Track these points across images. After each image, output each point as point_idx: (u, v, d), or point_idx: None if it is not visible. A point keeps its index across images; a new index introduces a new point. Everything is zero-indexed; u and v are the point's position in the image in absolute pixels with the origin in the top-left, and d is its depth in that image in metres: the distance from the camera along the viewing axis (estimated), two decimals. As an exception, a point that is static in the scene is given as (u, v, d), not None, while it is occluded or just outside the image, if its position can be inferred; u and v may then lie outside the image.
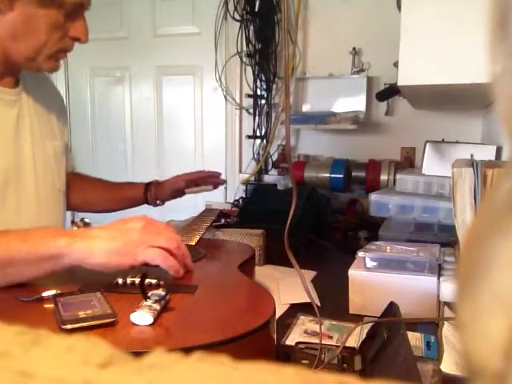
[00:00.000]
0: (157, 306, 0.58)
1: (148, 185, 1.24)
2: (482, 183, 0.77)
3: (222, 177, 1.34)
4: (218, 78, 2.09)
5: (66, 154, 1.09)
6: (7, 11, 0.81)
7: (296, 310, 0.87)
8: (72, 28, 0.87)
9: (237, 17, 2.01)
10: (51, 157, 1.00)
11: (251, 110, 2.10)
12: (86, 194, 1.21)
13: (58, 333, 0.19)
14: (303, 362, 0.66)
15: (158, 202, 1.25)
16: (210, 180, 1.29)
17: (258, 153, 2.10)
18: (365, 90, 1.87)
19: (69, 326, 0.53)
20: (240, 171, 2.18)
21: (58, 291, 0.64)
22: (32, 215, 0.95)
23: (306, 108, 2.01)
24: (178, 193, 1.25)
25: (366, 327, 0.72)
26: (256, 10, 1.94)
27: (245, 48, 2.03)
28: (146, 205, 1.25)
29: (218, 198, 2.05)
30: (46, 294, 0.63)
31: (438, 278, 0.82)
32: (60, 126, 1.06)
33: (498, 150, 1.30)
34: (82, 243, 0.67)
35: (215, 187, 1.30)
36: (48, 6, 0.82)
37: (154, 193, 1.22)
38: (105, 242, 0.68)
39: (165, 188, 1.23)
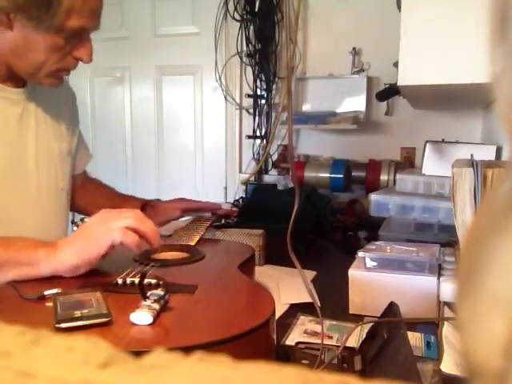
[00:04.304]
0: (156, 306, 0.58)
1: (145, 205, 1.20)
2: (482, 183, 0.77)
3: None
4: (218, 78, 2.09)
5: (74, 156, 1.10)
6: (6, 30, 0.81)
7: (296, 310, 0.87)
8: (75, 49, 0.87)
9: (237, 17, 2.01)
10: (56, 157, 1.01)
11: (251, 110, 2.10)
12: (92, 202, 1.21)
13: (53, 331, 0.19)
14: (303, 361, 0.66)
15: None
16: (209, 210, 1.25)
17: (258, 153, 2.10)
18: (365, 90, 1.87)
19: (63, 325, 0.53)
20: (240, 171, 2.18)
21: (60, 290, 0.64)
22: (33, 212, 0.96)
23: (305, 108, 2.01)
24: (173, 220, 1.22)
25: (366, 327, 0.72)
26: (256, 10, 1.94)
27: (245, 48, 2.03)
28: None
29: (218, 198, 2.05)
30: (47, 292, 0.64)
31: (438, 278, 0.82)
32: (69, 127, 1.06)
33: (498, 150, 1.30)
34: (54, 254, 0.71)
35: (213, 214, 1.27)
36: (45, 31, 0.81)
37: (147, 215, 1.20)
38: (69, 245, 0.71)
39: (160, 215, 1.19)
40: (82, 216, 1.91)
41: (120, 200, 1.24)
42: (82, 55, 0.88)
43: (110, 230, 0.71)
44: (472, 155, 0.88)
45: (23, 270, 0.70)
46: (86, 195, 1.19)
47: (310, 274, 1.06)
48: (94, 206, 1.22)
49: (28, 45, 0.83)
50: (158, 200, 1.26)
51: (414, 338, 0.74)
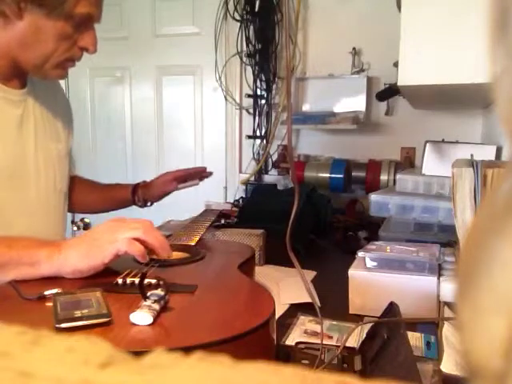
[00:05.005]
0: (156, 306, 0.57)
1: (135, 186, 1.24)
2: (481, 183, 0.77)
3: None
4: (217, 78, 2.09)
5: (70, 158, 1.11)
6: (17, 20, 0.82)
7: (296, 309, 0.87)
8: (81, 38, 0.88)
9: (237, 17, 2.01)
10: (54, 158, 1.01)
11: (251, 110, 2.10)
12: (81, 197, 1.22)
13: (53, 331, 0.19)
14: (303, 362, 0.66)
15: (148, 203, 1.25)
16: (196, 176, 1.30)
17: (258, 153, 2.10)
18: (365, 90, 1.87)
19: (63, 325, 0.53)
20: (240, 171, 2.18)
21: (60, 290, 0.64)
22: (32, 213, 0.96)
23: (305, 108, 2.01)
24: (167, 194, 1.26)
25: (366, 327, 0.72)
26: (256, 9, 1.94)
27: (245, 48, 2.03)
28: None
29: (218, 198, 2.05)
30: (48, 292, 0.64)
31: (438, 278, 0.82)
32: (65, 130, 1.07)
33: (498, 150, 1.30)
34: (58, 255, 0.70)
35: (201, 179, 1.31)
36: (56, 18, 0.83)
37: (141, 195, 1.23)
38: (74, 249, 0.71)
39: (153, 190, 1.24)
40: (82, 216, 1.92)
41: (107, 191, 1.27)
42: (87, 45, 0.89)
43: (116, 239, 0.70)
44: (472, 155, 0.88)
45: (24, 270, 0.70)
46: (75, 192, 1.19)
47: (310, 274, 1.06)
48: (81, 203, 1.23)
49: (37, 34, 0.84)
50: (145, 181, 1.27)
51: (414, 338, 0.74)
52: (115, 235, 0.71)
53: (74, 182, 1.19)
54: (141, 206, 1.25)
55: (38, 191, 0.96)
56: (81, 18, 0.85)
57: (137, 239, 0.71)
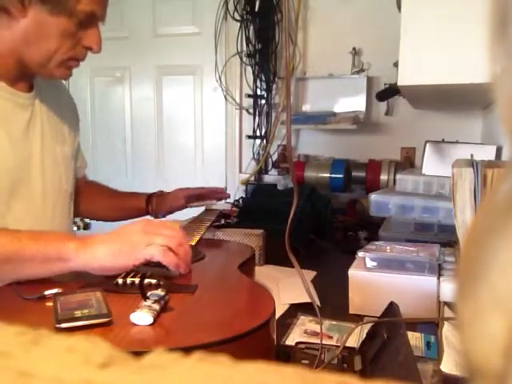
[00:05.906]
0: (156, 306, 0.58)
1: (150, 196, 1.23)
2: (482, 183, 0.77)
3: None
4: (218, 77, 2.09)
5: (76, 159, 1.11)
6: (21, 17, 0.83)
7: (296, 309, 0.87)
8: (85, 37, 0.88)
9: (237, 17, 2.01)
10: (60, 160, 1.01)
11: (251, 110, 2.10)
12: (93, 203, 1.21)
13: (53, 331, 0.19)
14: (303, 362, 0.66)
15: (159, 215, 1.24)
16: (213, 196, 1.28)
17: (258, 153, 2.10)
18: (365, 90, 1.87)
19: (63, 325, 0.54)
20: (240, 171, 2.18)
21: (60, 290, 0.64)
22: (38, 215, 0.96)
23: (305, 108, 2.01)
24: (179, 208, 1.25)
25: (366, 327, 0.72)
26: (256, 10, 1.94)
27: (245, 48, 2.03)
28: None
29: (217, 198, 2.05)
30: (48, 292, 0.64)
31: (438, 278, 0.82)
32: (71, 131, 1.08)
33: (498, 150, 1.30)
34: (87, 249, 0.69)
35: (219, 200, 1.29)
36: (59, 15, 0.83)
37: (155, 206, 1.22)
38: (105, 245, 0.69)
39: (166, 203, 1.23)
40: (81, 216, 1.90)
41: (121, 198, 1.25)
42: (91, 44, 0.89)
43: (150, 244, 0.69)
44: (472, 155, 0.88)
45: (51, 264, 0.68)
46: (88, 198, 1.19)
47: (310, 274, 1.06)
48: (99, 207, 1.23)
49: (41, 31, 0.84)
50: (162, 191, 1.27)
51: (414, 338, 0.74)
52: (150, 239, 0.69)
53: (85, 187, 1.18)
54: (155, 217, 1.23)
55: (43, 193, 0.96)
56: (84, 15, 0.85)
57: (170, 249, 0.70)
